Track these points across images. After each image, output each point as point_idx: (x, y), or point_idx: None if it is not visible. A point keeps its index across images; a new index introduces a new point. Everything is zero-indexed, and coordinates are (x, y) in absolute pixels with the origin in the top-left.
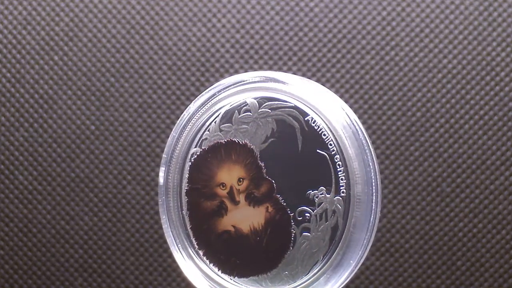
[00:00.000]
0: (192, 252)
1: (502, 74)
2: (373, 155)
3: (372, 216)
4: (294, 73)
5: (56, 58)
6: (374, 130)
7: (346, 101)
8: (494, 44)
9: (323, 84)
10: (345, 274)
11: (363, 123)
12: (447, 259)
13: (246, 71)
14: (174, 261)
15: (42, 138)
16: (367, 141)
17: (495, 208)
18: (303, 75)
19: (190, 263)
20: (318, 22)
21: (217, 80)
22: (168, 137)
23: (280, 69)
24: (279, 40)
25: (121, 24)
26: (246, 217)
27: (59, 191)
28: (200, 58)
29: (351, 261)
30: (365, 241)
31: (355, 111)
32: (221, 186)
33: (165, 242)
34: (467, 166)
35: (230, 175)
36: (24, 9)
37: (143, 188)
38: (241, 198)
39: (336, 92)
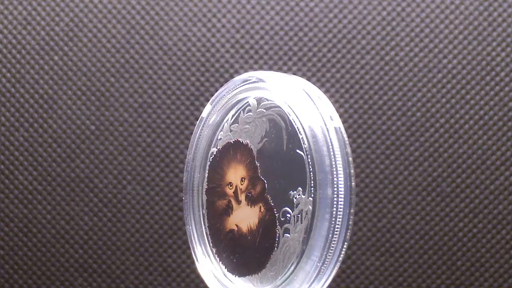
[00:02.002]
0: (207, 250)
1: (502, 74)
2: (346, 156)
3: (339, 219)
4: (294, 73)
5: (56, 58)
6: (374, 130)
7: (346, 101)
8: (494, 44)
9: (323, 84)
10: (313, 276)
11: (363, 123)
12: (447, 259)
13: (246, 71)
14: (174, 261)
15: (42, 138)
16: (344, 141)
17: (495, 208)
18: (303, 75)
19: (207, 262)
20: (318, 22)
21: (217, 80)
22: (167, 137)
23: (280, 69)
24: (279, 40)
25: (121, 24)
26: (245, 217)
27: (59, 191)
28: (200, 58)
29: (318, 264)
30: (332, 243)
31: (355, 111)
32: (229, 186)
33: (165, 242)
34: (467, 166)
35: (235, 175)
36: (24, 9)
37: (143, 188)
38: (242, 197)
39: (336, 92)
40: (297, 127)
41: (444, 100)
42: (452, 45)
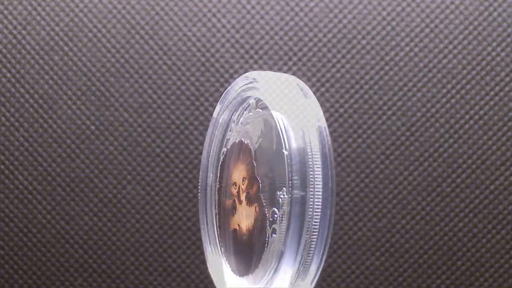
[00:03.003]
0: (216, 250)
1: (502, 74)
2: (327, 156)
3: (316, 219)
4: (294, 73)
5: (56, 58)
6: (374, 130)
7: (346, 101)
8: (494, 44)
9: (323, 84)
10: (292, 277)
11: (363, 123)
12: (447, 259)
13: (246, 71)
14: (174, 261)
15: (42, 138)
16: (326, 141)
17: (495, 208)
18: (303, 75)
19: (216, 261)
20: (318, 22)
21: (217, 80)
22: (167, 137)
23: (280, 69)
24: (279, 40)
25: (121, 24)
26: (245, 217)
27: (59, 191)
28: (200, 58)
29: (296, 264)
30: (311, 244)
31: (355, 111)
32: (234, 185)
33: (165, 242)
34: (467, 166)
35: (239, 175)
36: (24, 9)
37: (143, 188)
38: (243, 197)
39: (336, 92)
40: (281, 127)
41: (444, 100)
42: (452, 45)
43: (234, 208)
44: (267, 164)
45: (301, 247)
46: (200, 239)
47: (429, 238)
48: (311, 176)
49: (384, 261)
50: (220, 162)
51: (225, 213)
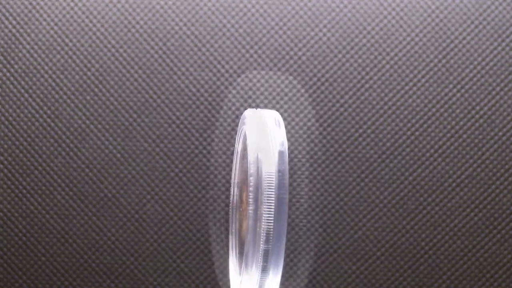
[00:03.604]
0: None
1: (503, 74)
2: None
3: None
4: (294, 72)
5: (56, 58)
6: (373, 130)
7: (345, 102)
8: (495, 44)
9: (322, 83)
10: (279, 275)
11: (363, 124)
12: (447, 259)
13: (246, 70)
14: (174, 261)
15: (42, 138)
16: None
17: (495, 208)
18: (303, 73)
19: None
20: (318, 22)
21: (218, 79)
22: (167, 137)
23: (279, 70)
24: (279, 39)
25: (121, 23)
26: (245, 216)
27: (59, 191)
28: (201, 57)
29: (278, 263)
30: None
31: (353, 111)
32: (239, 186)
33: (164, 242)
34: (468, 165)
35: (243, 175)
36: (25, 8)
37: (144, 189)
38: (244, 197)
39: (337, 94)
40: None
41: (444, 100)
42: (453, 45)
43: (239, 208)
44: (263, 164)
45: (275, 249)
46: (200, 239)
47: (430, 239)
48: (284, 177)
49: (384, 261)
50: (239, 163)
51: (233, 212)
